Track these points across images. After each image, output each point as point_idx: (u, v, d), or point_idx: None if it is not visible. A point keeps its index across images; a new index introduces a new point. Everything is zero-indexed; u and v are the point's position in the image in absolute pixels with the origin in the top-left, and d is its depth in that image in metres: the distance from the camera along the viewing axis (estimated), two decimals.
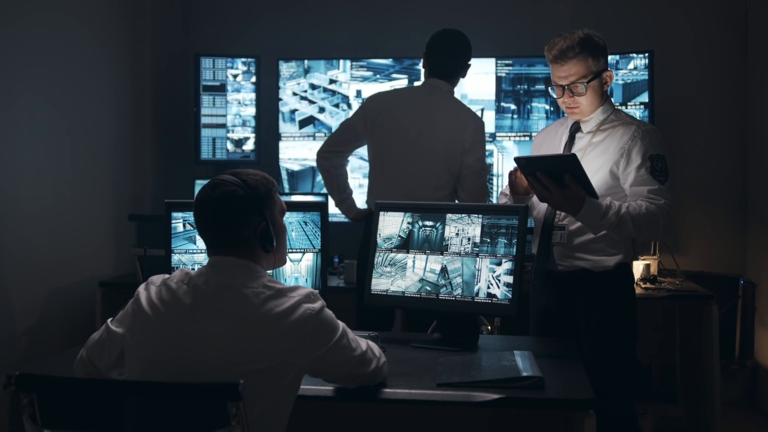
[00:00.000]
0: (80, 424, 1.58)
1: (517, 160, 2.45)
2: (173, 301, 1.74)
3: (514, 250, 2.41)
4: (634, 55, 4.12)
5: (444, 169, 3.28)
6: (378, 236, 2.61)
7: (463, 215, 2.51)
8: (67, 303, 3.66)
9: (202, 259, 2.53)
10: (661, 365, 4.27)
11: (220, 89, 4.43)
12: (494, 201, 4.17)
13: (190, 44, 4.72)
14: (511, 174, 2.62)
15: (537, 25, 4.46)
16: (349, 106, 4.31)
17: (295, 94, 4.42)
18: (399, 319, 3.46)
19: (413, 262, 2.54)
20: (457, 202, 3.35)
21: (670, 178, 2.53)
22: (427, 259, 2.53)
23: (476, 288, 2.44)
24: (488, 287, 2.42)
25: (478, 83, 4.26)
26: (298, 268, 2.52)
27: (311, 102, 4.41)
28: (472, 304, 2.44)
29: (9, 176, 3.27)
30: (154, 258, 3.46)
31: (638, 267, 3.61)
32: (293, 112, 4.42)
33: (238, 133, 4.45)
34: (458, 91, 4.24)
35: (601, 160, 2.57)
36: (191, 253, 2.56)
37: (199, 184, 4.20)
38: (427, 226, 2.55)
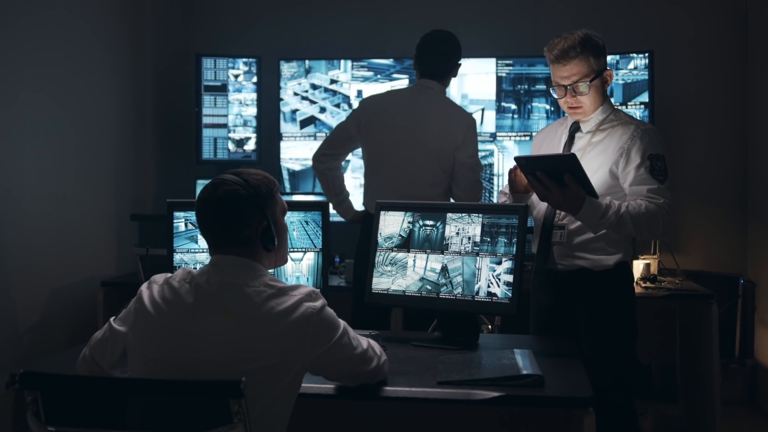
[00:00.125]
0: (84, 422, 1.59)
1: (517, 159, 2.46)
2: (175, 299, 1.75)
3: (514, 249, 2.42)
4: (634, 55, 4.13)
5: (437, 167, 3.31)
6: (379, 235, 2.62)
7: (463, 215, 2.52)
8: (69, 302, 3.67)
9: (204, 258, 2.54)
10: (661, 364, 4.27)
11: (222, 89, 4.44)
12: (494, 200, 4.18)
13: (191, 44, 4.74)
14: (511, 173, 2.63)
15: (537, 25, 4.47)
16: (350, 106, 4.32)
17: (296, 94, 4.43)
18: (397, 320, 3.47)
19: (414, 261, 2.55)
20: (452, 200, 3.38)
21: (669, 177, 2.54)
22: (427, 258, 2.54)
23: (476, 287, 2.45)
24: (488, 286, 2.43)
25: (479, 83, 4.28)
26: (299, 268, 2.53)
27: (312, 102, 4.42)
28: (473, 303, 2.45)
29: (11, 176, 3.28)
30: (156, 257, 3.47)
31: (638, 266, 3.62)
32: (294, 112, 4.44)
33: (239, 133, 4.47)
34: (459, 91, 4.28)
35: (601, 159, 2.58)
36: (193, 253, 2.57)
37: (201, 184, 4.22)
38: (427, 226, 2.56)
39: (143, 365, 1.74)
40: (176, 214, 2.57)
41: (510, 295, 2.40)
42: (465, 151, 3.31)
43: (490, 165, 4.28)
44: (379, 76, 4.34)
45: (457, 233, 2.51)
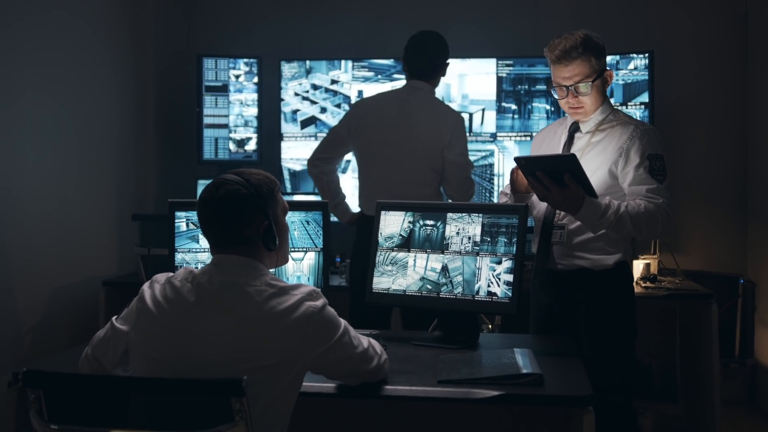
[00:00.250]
0: (86, 420, 1.60)
1: (517, 159, 2.47)
2: (177, 299, 1.76)
3: (514, 248, 2.43)
4: (635, 55, 4.14)
5: (427, 166, 3.34)
6: (379, 235, 2.63)
7: (463, 214, 2.53)
8: (70, 302, 3.68)
9: (206, 257, 2.55)
10: (662, 364, 4.28)
11: (223, 89, 4.45)
12: (495, 200, 4.19)
13: (192, 45, 4.75)
14: (512, 173, 2.64)
15: (538, 25, 4.48)
16: (350, 106, 4.32)
17: (296, 94, 4.44)
18: (396, 320, 3.49)
19: (414, 260, 2.56)
20: (448, 199, 3.41)
21: (668, 177, 2.55)
22: (428, 257, 2.55)
23: (477, 286, 2.46)
24: (488, 286, 2.44)
25: (479, 83, 4.29)
26: (300, 267, 2.54)
27: (313, 102, 4.43)
28: (473, 303, 2.46)
29: (13, 176, 3.29)
30: (157, 257, 3.48)
31: (638, 266, 3.63)
32: (295, 112, 4.45)
33: (240, 134, 4.48)
34: (459, 91, 4.29)
35: (600, 159, 2.59)
36: (194, 252, 2.58)
37: (202, 184, 4.23)
38: (427, 226, 2.57)
39: (145, 364, 1.75)
40: (178, 213, 2.58)
41: (510, 294, 2.41)
42: (453, 149, 3.34)
43: (491, 165, 4.29)
44: (379, 76, 4.35)
45: (458, 233, 2.52)
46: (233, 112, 4.46)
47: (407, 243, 2.58)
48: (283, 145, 4.45)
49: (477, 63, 4.29)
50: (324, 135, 4.30)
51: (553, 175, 2.39)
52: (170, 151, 4.59)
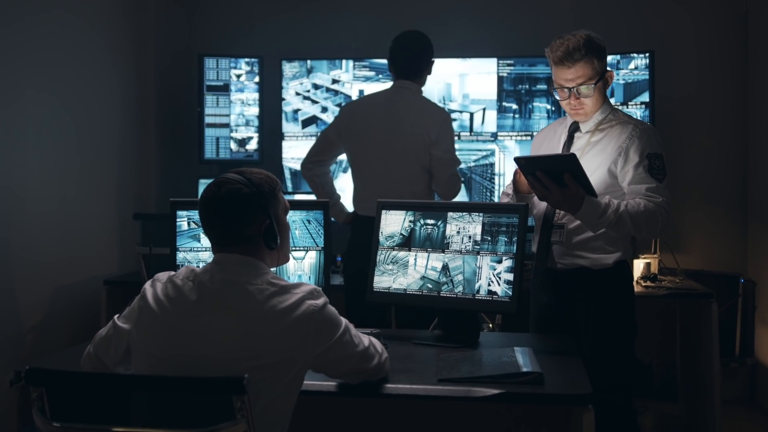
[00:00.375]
0: (88, 418, 1.60)
1: (517, 159, 2.47)
2: (179, 297, 1.77)
3: (515, 248, 2.43)
4: (635, 54, 4.14)
5: (416, 164, 3.37)
6: (380, 234, 2.63)
7: (464, 213, 2.54)
8: (72, 301, 3.69)
9: (207, 257, 2.56)
10: (662, 363, 4.28)
11: (224, 89, 4.46)
12: (496, 200, 4.20)
13: (193, 44, 4.76)
14: (515, 174, 2.63)
15: (538, 25, 4.48)
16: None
17: (297, 93, 4.45)
18: (392, 319, 3.52)
19: (415, 260, 2.57)
20: (437, 198, 3.45)
21: (668, 176, 2.55)
22: (428, 257, 2.56)
23: (477, 285, 2.47)
24: (489, 285, 2.45)
25: (480, 83, 4.29)
26: (301, 266, 2.55)
27: (314, 102, 4.44)
28: (473, 302, 2.47)
29: (14, 176, 3.30)
30: (158, 256, 3.49)
31: (639, 265, 3.64)
32: (296, 111, 4.45)
33: (241, 133, 4.48)
34: (460, 91, 4.30)
35: (600, 159, 2.59)
36: (196, 251, 2.59)
37: (203, 184, 4.24)
38: (428, 225, 2.57)
39: (147, 362, 1.76)
40: (179, 213, 2.59)
41: (510, 293, 2.41)
42: (440, 146, 3.37)
43: (491, 165, 4.30)
44: (380, 75, 4.36)
45: (458, 232, 2.52)
46: (234, 111, 4.47)
47: (408, 242, 2.59)
48: (284, 144, 4.46)
49: (478, 62, 4.30)
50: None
51: (553, 174, 2.39)
52: (171, 151, 4.60)
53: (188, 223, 2.59)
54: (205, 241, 2.54)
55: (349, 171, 4.18)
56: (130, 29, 4.23)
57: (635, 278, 3.56)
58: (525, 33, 4.49)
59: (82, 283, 3.76)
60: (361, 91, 4.35)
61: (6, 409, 2.18)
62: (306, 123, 4.44)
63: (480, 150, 4.30)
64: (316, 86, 4.43)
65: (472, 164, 4.31)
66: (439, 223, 2.56)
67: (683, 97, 4.41)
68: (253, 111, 4.48)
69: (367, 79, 4.38)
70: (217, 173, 3.98)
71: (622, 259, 2.62)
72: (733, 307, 3.97)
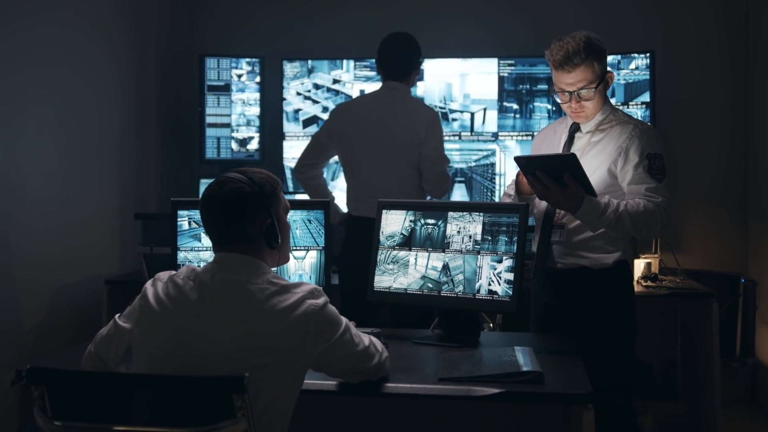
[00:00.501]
0: (90, 416, 1.61)
1: (517, 159, 2.48)
2: (179, 296, 1.77)
3: (515, 247, 2.44)
4: (636, 55, 4.14)
5: (406, 163, 3.40)
6: (381, 234, 2.64)
7: (464, 213, 2.54)
8: (73, 301, 3.70)
9: (208, 256, 2.56)
10: (663, 363, 4.29)
11: (225, 89, 4.47)
12: (497, 200, 4.20)
13: (194, 44, 4.76)
14: (517, 175, 2.63)
15: (539, 25, 4.48)
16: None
17: (298, 93, 4.45)
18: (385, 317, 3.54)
19: (415, 259, 2.57)
20: (429, 197, 3.47)
21: (667, 176, 2.55)
22: (429, 256, 2.56)
23: (477, 285, 2.47)
24: (489, 284, 2.45)
25: (481, 83, 4.30)
26: (302, 266, 2.56)
27: (315, 102, 4.44)
28: (474, 301, 2.47)
29: (16, 176, 3.30)
30: (159, 256, 3.49)
31: (639, 265, 3.64)
32: (297, 111, 4.46)
33: (242, 133, 4.49)
34: (461, 91, 4.30)
35: (600, 159, 2.59)
36: (197, 251, 2.60)
37: (204, 183, 4.24)
38: (429, 224, 2.58)
39: (147, 361, 1.76)
40: (180, 212, 2.60)
41: (511, 293, 2.42)
42: (428, 145, 3.39)
43: (492, 165, 4.30)
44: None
45: (458, 232, 2.53)
46: (235, 111, 4.48)
47: (408, 242, 2.60)
48: (285, 144, 4.46)
49: (478, 63, 4.30)
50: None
51: (553, 174, 2.40)
52: (172, 151, 4.61)
53: (189, 223, 2.59)
54: (206, 241, 2.55)
55: None
56: (131, 29, 4.23)
57: (636, 278, 3.56)
58: (526, 33, 4.49)
59: (83, 282, 3.77)
60: (362, 91, 4.36)
61: (7, 408, 2.18)
62: (307, 123, 4.44)
63: (481, 150, 4.30)
64: (317, 86, 4.43)
65: (473, 164, 4.31)
66: (439, 222, 2.56)
67: (684, 96, 4.41)
68: (254, 111, 4.49)
69: (368, 79, 4.38)
70: (218, 173, 3.99)
71: (622, 259, 2.63)
72: (733, 307, 3.98)
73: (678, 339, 4.08)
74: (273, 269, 1.87)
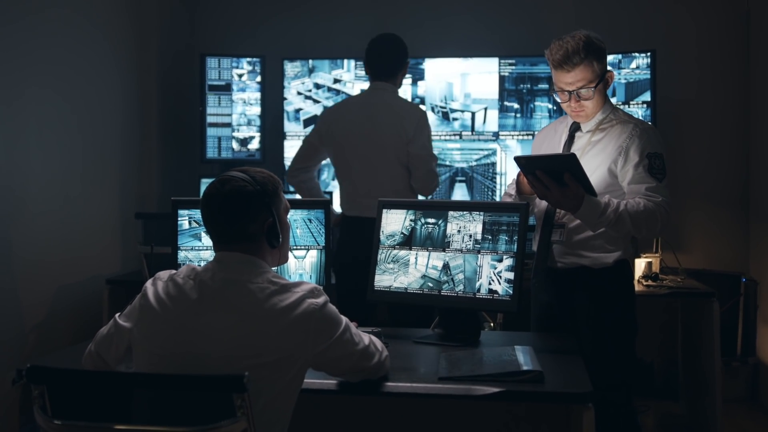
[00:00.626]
0: (90, 416, 1.61)
1: (517, 159, 2.47)
2: (180, 296, 1.77)
3: (515, 246, 2.44)
4: (637, 54, 4.14)
5: (396, 162, 3.43)
6: (381, 233, 2.64)
7: (464, 212, 2.54)
8: (74, 300, 3.70)
9: (208, 255, 2.56)
10: (663, 362, 4.29)
11: (226, 89, 4.47)
12: (497, 199, 4.20)
13: (195, 44, 4.76)
14: (518, 175, 2.63)
15: (540, 24, 4.48)
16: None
17: (299, 93, 4.45)
18: (382, 317, 3.55)
19: (416, 258, 2.57)
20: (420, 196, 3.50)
21: (668, 176, 2.55)
22: (429, 255, 2.56)
23: (478, 284, 2.47)
24: (490, 283, 2.45)
25: (482, 82, 4.30)
26: (302, 265, 2.56)
27: (316, 101, 4.44)
28: (474, 300, 2.47)
29: (16, 175, 3.30)
30: (160, 255, 3.49)
31: (640, 264, 3.64)
32: (298, 111, 4.46)
33: (243, 132, 4.49)
34: (462, 90, 4.30)
35: (600, 158, 2.59)
36: (197, 250, 2.60)
37: (205, 183, 4.24)
38: (429, 224, 2.58)
39: (148, 360, 1.76)
40: (180, 212, 2.59)
41: (511, 292, 2.42)
42: (416, 143, 3.42)
43: (493, 164, 4.30)
44: None
45: (459, 231, 2.53)
46: (236, 111, 4.48)
47: (409, 241, 2.60)
48: (286, 143, 4.46)
49: (479, 62, 4.30)
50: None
51: (553, 174, 2.40)
52: (173, 150, 4.61)
53: (189, 222, 2.59)
54: (207, 240, 2.55)
55: None
56: (132, 28, 4.24)
57: (637, 277, 3.56)
58: (527, 32, 4.49)
59: (84, 282, 3.77)
60: (362, 90, 4.35)
61: (8, 407, 2.19)
62: (308, 122, 4.44)
63: (481, 149, 4.30)
64: (317, 86, 4.43)
65: (474, 164, 4.31)
66: (439, 222, 2.56)
67: (684, 96, 4.41)
68: (255, 110, 4.49)
69: (368, 78, 4.37)
70: (218, 173, 3.99)
71: (623, 258, 2.63)
72: (734, 307, 3.97)
73: (679, 338, 4.08)
74: (273, 268, 1.87)
